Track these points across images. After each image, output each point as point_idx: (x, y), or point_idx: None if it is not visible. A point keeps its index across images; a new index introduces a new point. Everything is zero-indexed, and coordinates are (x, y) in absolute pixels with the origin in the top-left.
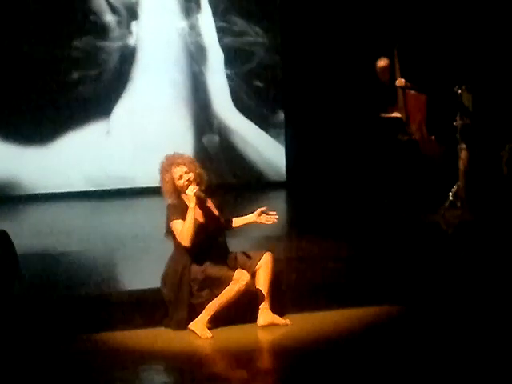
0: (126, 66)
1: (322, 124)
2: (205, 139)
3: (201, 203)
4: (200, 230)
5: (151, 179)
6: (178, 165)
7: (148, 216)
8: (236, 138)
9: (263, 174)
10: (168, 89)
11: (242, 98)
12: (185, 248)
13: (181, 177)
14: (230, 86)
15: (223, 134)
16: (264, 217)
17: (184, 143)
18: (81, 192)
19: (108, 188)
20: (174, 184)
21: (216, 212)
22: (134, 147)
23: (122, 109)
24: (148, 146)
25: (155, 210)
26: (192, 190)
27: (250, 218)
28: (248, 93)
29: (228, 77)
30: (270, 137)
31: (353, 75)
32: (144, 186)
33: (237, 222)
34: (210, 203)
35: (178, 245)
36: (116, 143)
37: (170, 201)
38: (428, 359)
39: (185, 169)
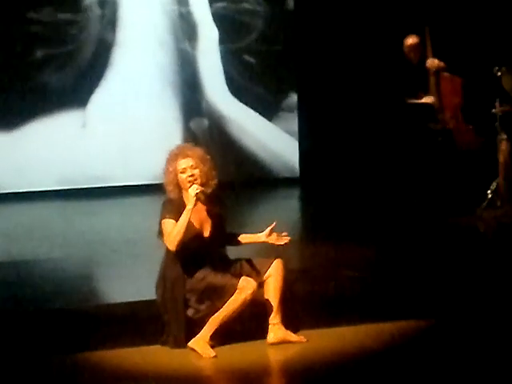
0: (104, 47)
1: (341, 111)
2: (194, 125)
3: (201, 208)
4: (193, 239)
5: (134, 176)
6: (185, 156)
7: (138, 217)
8: (233, 128)
9: (268, 170)
10: (153, 72)
11: (239, 80)
12: (176, 253)
13: (184, 170)
14: (224, 67)
15: (216, 123)
16: (274, 237)
17: (171, 135)
18: (54, 191)
19: (85, 186)
20: (176, 177)
21: (218, 223)
22: (114, 141)
23: (100, 97)
24: (130, 139)
25: (143, 210)
26: (194, 190)
27: (260, 237)
28: (246, 73)
29: (222, 56)
30: (275, 125)
31: (377, 54)
32: (126, 184)
33: (244, 239)
34: (213, 211)
35: (167, 248)
36: (93, 137)
37: (169, 196)
38: (463, 381)
39: (191, 163)
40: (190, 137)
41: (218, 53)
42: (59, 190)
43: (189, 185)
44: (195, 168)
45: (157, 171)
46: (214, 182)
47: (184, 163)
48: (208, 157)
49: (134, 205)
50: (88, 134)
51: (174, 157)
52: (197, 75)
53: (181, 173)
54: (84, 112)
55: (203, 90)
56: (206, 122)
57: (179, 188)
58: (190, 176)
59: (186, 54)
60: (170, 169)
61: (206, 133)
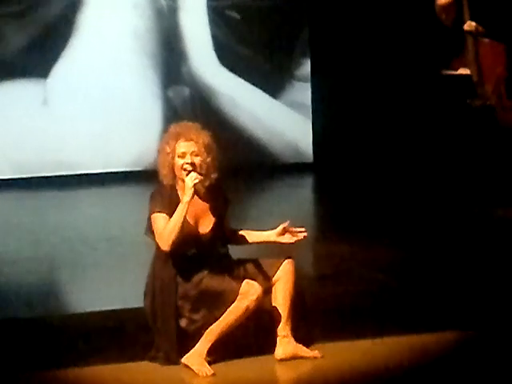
0: (69, 7)
1: (362, 83)
2: (173, 94)
3: (197, 201)
4: (187, 238)
5: (107, 163)
6: (188, 139)
7: (118, 211)
8: (225, 103)
9: (273, 154)
10: (127, 40)
11: (232, 45)
12: (168, 253)
13: (183, 155)
14: (212, 30)
15: (203, 97)
16: (288, 236)
17: (149, 114)
18: (10, 180)
19: (49, 175)
20: (173, 160)
21: (217, 219)
22: (82, 120)
23: (64, 68)
24: (101, 118)
25: (123, 202)
26: (192, 179)
27: (269, 236)
28: (239, 36)
29: (211, 20)
30: (280, 100)
31: (404, 16)
32: (98, 171)
33: (251, 237)
34: (211, 206)
35: (158, 247)
36: (56, 115)
37: (162, 181)
38: None
39: (193, 148)
40: (170, 110)
41: (205, 12)
42: (17, 179)
43: (185, 173)
44: (197, 155)
45: (135, 156)
46: (215, 175)
47: (184, 147)
48: (214, 145)
49: (109, 196)
50: (50, 112)
51: (174, 136)
52: (179, 40)
53: (178, 157)
54: (45, 85)
55: (187, 59)
56: (186, 90)
57: (173, 174)
58: (187, 163)
59: (166, 15)
60: (168, 149)
61: (187, 105)
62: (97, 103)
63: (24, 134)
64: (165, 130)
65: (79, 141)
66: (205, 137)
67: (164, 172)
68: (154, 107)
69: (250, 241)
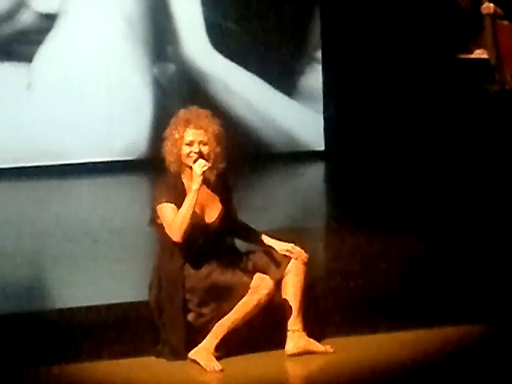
0: None
1: (376, 69)
2: (157, 71)
3: (203, 191)
4: (195, 229)
5: (91, 152)
6: (197, 127)
7: (119, 201)
8: (219, 89)
9: (284, 142)
10: (115, 22)
11: (228, 27)
12: (175, 244)
13: (191, 143)
14: (205, 14)
15: (196, 82)
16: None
17: (140, 101)
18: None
19: (41, 164)
20: (180, 147)
21: (224, 209)
22: (68, 107)
23: (49, 52)
24: (87, 104)
25: (116, 192)
26: (201, 167)
27: (275, 244)
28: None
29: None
30: (287, 90)
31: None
32: (84, 160)
33: (267, 240)
34: (219, 195)
35: (164, 239)
36: (41, 101)
37: (168, 170)
38: None
39: (202, 137)
40: (161, 94)
41: None
42: (8, 169)
43: (191, 160)
44: (205, 144)
45: (125, 144)
46: (221, 166)
47: (193, 135)
48: (223, 135)
49: (108, 186)
50: (34, 98)
51: (183, 122)
52: (170, 23)
53: (186, 144)
54: (28, 69)
55: (178, 42)
56: (172, 67)
57: (180, 162)
58: (195, 152)
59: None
60: (176, 135)
61: (177, 88)
62: (83, 88)
63: (7, 121)
64: (155, 116)
65: (65, 128)
66: (214, 125)
67: (171, 159)
68: (145, 92)
69: (255, 241)
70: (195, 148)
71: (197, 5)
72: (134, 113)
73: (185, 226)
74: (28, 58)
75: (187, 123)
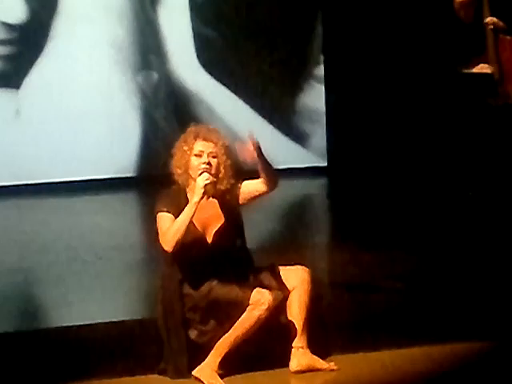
0: (44, 16)
1: (378, 84)
2: (141, 79)
3: (208, 206)
4: (193, 245)
5: (79, 171)
6: (207, 139)
7: (122, 218)
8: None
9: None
10: (105, 47)
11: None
12: (175, 257)
13: (201, 154)
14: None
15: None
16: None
17: (127, 126)
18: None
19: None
20: (189, 160)
21: (229, 229)
22: (55, 131)
23: (38, 78)
24: (75, 129)
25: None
26: (203, 179)
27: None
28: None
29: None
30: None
31: (421, 12)
32: (67, 179)
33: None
34: (225, 214)
35: (166, 256)
36: (29, 126)
37: (172, 184)
38: None
39: (211, 149)
40: (149, 120)
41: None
42: (18, 186)
43: (199, 173)
44: (214, 157)
45: (113, 165)
46: (230, 181)
47: (202, 146)
48: (231, 149)
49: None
50: (23, 122)
51: (192, 135)
52: (159, 46)
53: (195, 155)
54: (17, 95)
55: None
56: (155, 75)
57: (188, 175)
58: (204, 163)
59: (144, 21)
60: (185, 148)
61: (157, 92)
62: (71, 115)
63: None
64: (143, 137)
65: (49, 151)
66: (224, 140)
67: (179, 171)
68: (132, 116)
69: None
70: (204, 159)
71: (187, 24)
72: (122, 135)
73: (178, 236)
74: (16, 83)
75: (197, 135)
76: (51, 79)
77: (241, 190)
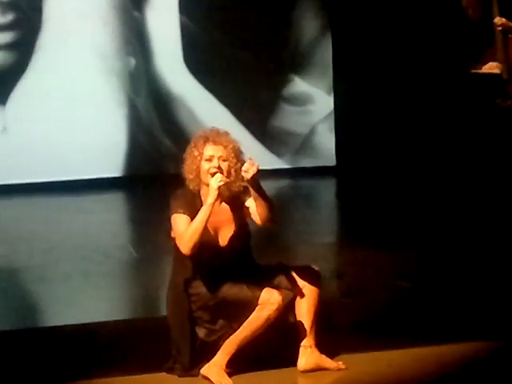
0: (28, 31)
1: (386, 84)
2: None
3: (220, 210)
4: (207, 249)
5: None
6: (216, 143)
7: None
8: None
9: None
10: (91, 60)
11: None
12: (186, 260)
13: (211, 158)
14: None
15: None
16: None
17: (115, 143)
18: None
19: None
20: (199, 165)
21: (239, 232)
22: (42, 149)
23: (24, 94)
24: (62, 146)
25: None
26: (217, 181)
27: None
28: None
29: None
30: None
31: (429, 12)
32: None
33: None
34: (235, 217)
35: (177, 255)
36: (15, 143)
37: (187, 185)
38: None
39: (221, 153)
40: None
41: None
42: (26, 184)
43: (209, 177)
44: (224, 160)
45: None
46: (241, 184)
47: (212, 150)
48: (242, 153)
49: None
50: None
51: (202, 139)
52: (147, 57)
53: (205, 160)
54: (3, 112)
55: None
56: (132, 61)
57: (200, 179)
58: (214, 167)
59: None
60: (196, 153)
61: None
62: (58, 132)
63: None
64: (131, 147)
65: (36, 168)
66: (235, 144)
67: (190, 177)
68: (120, 127)
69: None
70: (215, 163)
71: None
72: (109, 151)
73: (195, 238)
74: (2, 99)
75: (206, 139)
76: (38, 95)
77: (246, 203)
